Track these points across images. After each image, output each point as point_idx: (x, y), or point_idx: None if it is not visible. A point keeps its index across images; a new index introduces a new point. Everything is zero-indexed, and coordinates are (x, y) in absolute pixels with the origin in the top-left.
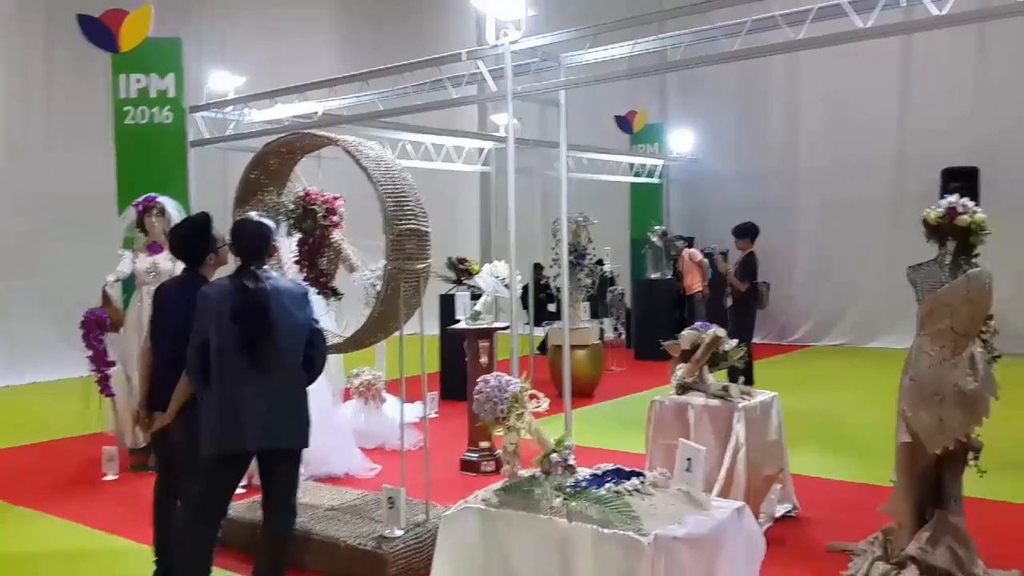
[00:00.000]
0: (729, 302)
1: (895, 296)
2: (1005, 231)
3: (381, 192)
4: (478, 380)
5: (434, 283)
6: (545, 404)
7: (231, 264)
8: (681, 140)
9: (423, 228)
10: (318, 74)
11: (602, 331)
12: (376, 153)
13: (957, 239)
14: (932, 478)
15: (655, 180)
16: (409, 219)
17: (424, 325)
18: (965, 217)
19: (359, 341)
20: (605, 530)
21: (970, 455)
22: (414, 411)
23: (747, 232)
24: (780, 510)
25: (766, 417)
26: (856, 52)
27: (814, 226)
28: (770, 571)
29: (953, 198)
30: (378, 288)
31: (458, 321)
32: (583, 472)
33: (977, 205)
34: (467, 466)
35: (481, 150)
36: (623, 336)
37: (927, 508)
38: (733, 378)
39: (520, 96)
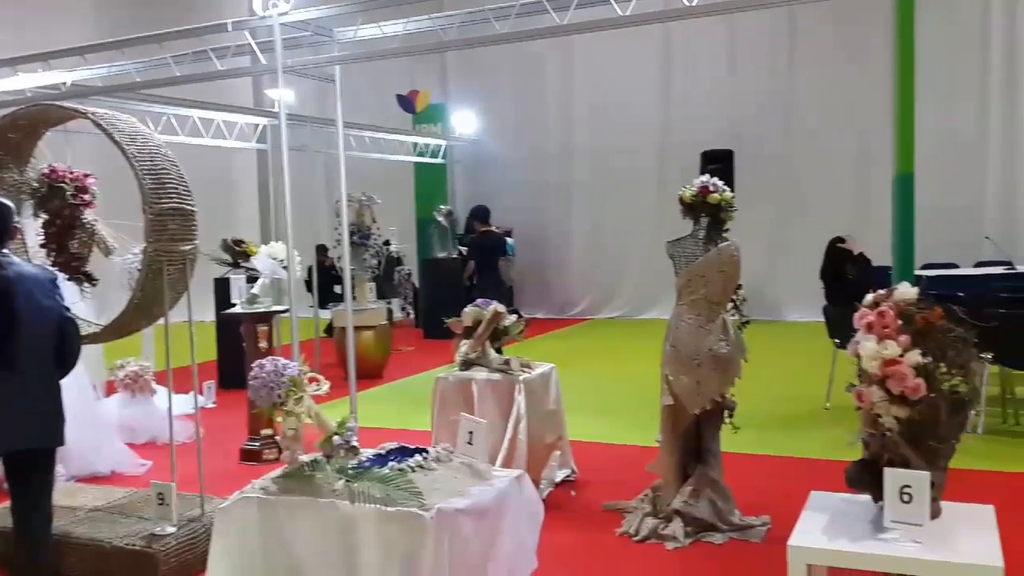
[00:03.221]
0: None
1: (664, 270)
2: (757, 209)
3: (138, 168)
4: (253, 365)
5: (208, 266)
6: (325, 387)
7: None
8: (464, 120)
9: (187, 207)
10: (67, 41)
11: (390, 312)
12: (131, 127)
13: (709, 215)
14: (692, 436)
15: (439, 160)
16: (171, 197)
17: (197, 310)
18: (716, 195)
19: (120, 329)
20: (388, 508)
21: (726, 414)
22: (186, 402)
23: (478, 215)
24: (560, 475)
25: (545, 388)
26: (623, 38)
27: (590, 204)
28: (550, 534)
29: (705, 178)
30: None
31: (234, 305)
32: (366, 453)
33: (730, 185)
34: (248, 456)
35: (256, 126)
36: (411, 316)
37: (689, 464)
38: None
39: (295, 71)
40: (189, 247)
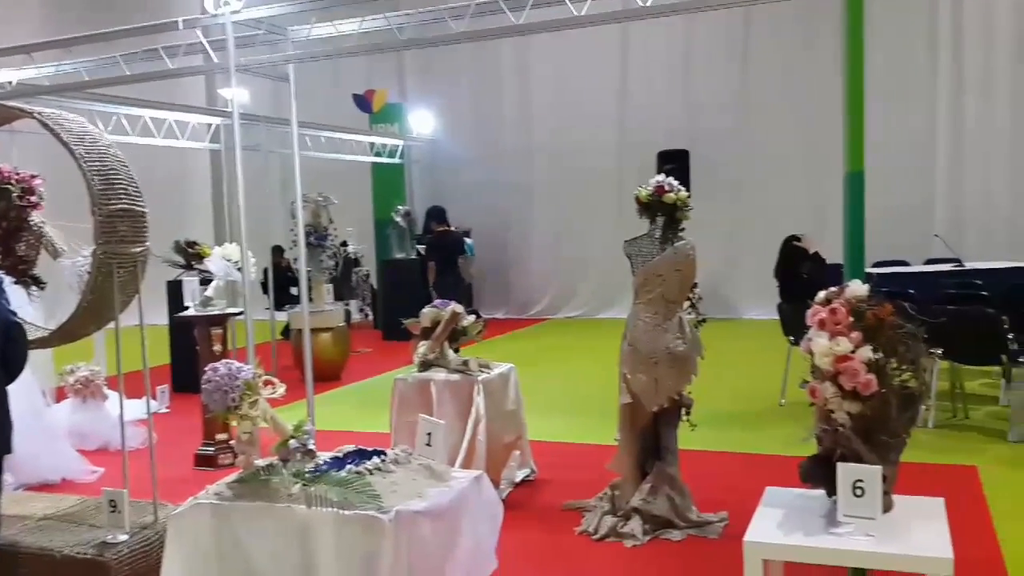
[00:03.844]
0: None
1: (623, 269)
2: (712, 208)
3: (86, 169)
4: (207, 369)
5: (161, 269)
6: (281, 390)
7: None
8: (421, 120)
9: (138, 208)
10: (14, 40)
11: (348, 313)
12: (79, 127)
13: (665, 215)
14: (651, 434)
15: (396, 160)
16: (121, 199)
17: (150, 314)
18: (671, 195)
19: (69, 333)
20: (346, 512)
21: (683, 411)
22: (139, 407)
23: (435, 216)
24: (519, 475)
25: (504, 388)
26: (580, 38)
27: (549, 204)
28: (510, 534)
29: (660, 177)
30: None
31: (187, 308)
32: (323, 456)
33: (686, 185)
34: (203, 461)
35: (210, 126)
36: (370, 317)
37: (647, 462)
38: None
39: (247, 70)
40: (140, 249)
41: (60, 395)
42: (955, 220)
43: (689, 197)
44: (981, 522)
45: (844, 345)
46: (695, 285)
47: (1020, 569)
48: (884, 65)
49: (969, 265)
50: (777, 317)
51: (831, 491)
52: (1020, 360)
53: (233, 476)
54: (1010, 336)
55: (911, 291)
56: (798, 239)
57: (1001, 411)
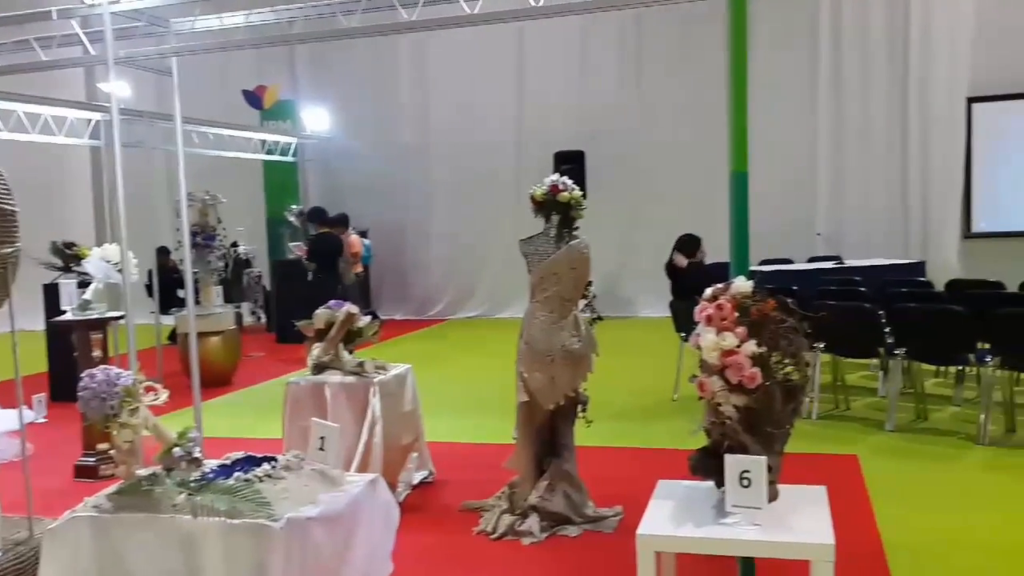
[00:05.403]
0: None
1: (521, 269)
2: (607, 208)
3: None
4: (83, 375)
5: (37, 271)
6: (163, 397)
7: None
8: (315, 118)
9: (7, 207)
10: None
11: (239, 316)
12: None
13: (560, 214)
14: (547, 431)
15: (289, 159)
16: None
17: (24, 319)
18: (565, 194)
19: None
20: (233, 521)
21: (579, 408)
22: (13, 417)
23: (314, 217)
24: (417, 477)
25: (401, 389)
26: (477, 37)
27: (447, 203)
28: (407, 537)
29: (555, 176)
30: None
31: (64, 312)
32: (210, 464)
33: (582, 185)
34: (83, 472)
35: (89, 122)
36: (263, 320)
37: (545, 459)
38: None
39: (127, 63)
40: (10, 250)
41: None
42: (836, 220)
43: (584, 196)
44: (861, 508)
45: (730, 340)
46: (590, 283)
47: (897, 551)
48: (767, 68)
49: (849, 263)
50: (670, 314)
51: (720, 482)
52: (896, 353)
53: (113, 487)
54: (887, 330)
55: (794, 287)
56: (692, 236)
57: (880, 402)
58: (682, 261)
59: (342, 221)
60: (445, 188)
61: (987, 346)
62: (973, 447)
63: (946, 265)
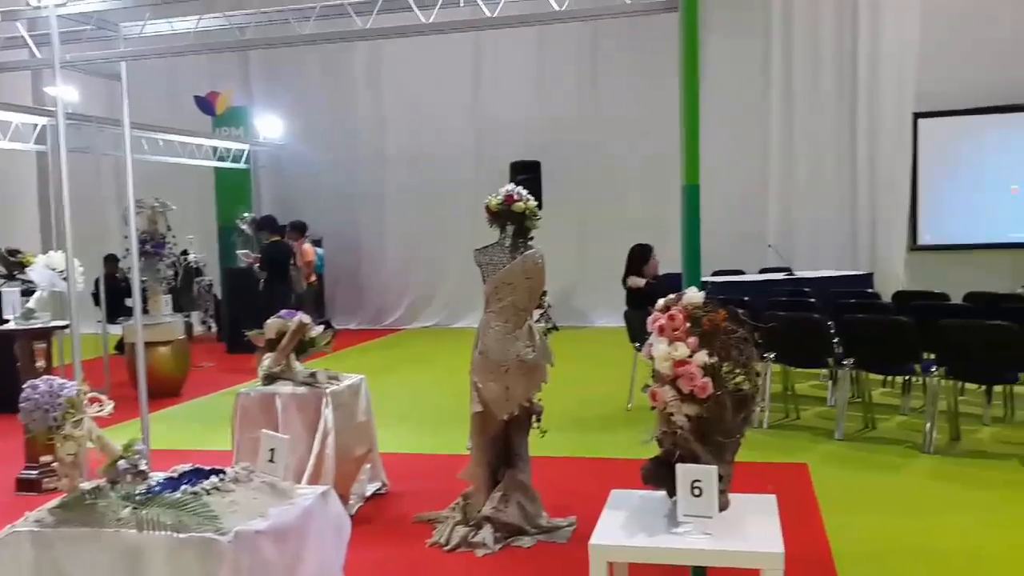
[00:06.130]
0: (261, 285)
1: (477, 279)
2: (564, 218)
3: None
4: (25, 386)
5: None
6: (108, 408)
7: None
8: (269, 125)
9: None
10: None
11: (189, 325)
12: None
13: (515, 224)
14: (501, 441)
15: (242, 165)
16: None
17: None
18: (520, 204)
19: None
20: (180, 535)
21: (533, 418)
22: None
23: (265, 225)
24: (370, 489)
25: (354, 400)
26: (433, 46)
27: (403, 212)
28: (359, 550)
29: (510, 186)
30: None
31: (7, 321)
32: (157, 477)
33: (538, 195)
34: (25, 486)
35: (35, 126)
36: (213, 329)
37: (499, 470)
38: None
39: (74, 67)
40: None
41: None
42: (786, 233)
43: (539, 206)
44: (811, 516)
45: (682, 350)
46: (545, 293)
47: (845, 559)
48: (719, 82)
49: (799, 274)
50: (624, 324)
51: (672, 492)
52: (844, 363)
53: (56, 501)
54: (835, 340)
55: (745, 298)
56: (644, 246)
57: (829, 411)
58: (639, 283)
59: (298, 228)
60: (401, 196)
61: (932, 356)
62: (919, 455)
63: (893, 277)
